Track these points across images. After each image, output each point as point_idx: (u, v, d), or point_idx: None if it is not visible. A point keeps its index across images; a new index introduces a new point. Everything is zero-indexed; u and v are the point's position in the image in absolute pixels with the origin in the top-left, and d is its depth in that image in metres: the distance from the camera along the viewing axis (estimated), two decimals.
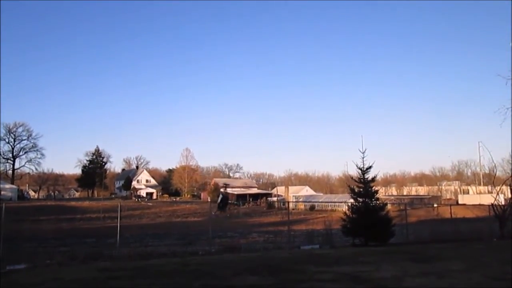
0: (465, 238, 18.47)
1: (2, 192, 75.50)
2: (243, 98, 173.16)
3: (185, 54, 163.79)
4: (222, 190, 22.56)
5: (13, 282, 8.39)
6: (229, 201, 21.79)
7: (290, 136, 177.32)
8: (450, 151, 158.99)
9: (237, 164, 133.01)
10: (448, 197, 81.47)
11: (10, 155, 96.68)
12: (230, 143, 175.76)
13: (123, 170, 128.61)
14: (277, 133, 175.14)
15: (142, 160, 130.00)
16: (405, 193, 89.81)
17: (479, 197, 60.59)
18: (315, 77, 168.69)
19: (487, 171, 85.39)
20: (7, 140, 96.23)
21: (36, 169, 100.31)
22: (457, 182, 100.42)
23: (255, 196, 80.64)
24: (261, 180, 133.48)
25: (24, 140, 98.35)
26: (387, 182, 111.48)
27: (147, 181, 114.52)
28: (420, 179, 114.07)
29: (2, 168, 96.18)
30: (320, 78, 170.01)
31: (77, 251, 13.47)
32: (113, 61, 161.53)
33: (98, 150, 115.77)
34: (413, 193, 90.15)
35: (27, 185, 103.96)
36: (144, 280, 8.50)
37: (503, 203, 21.96)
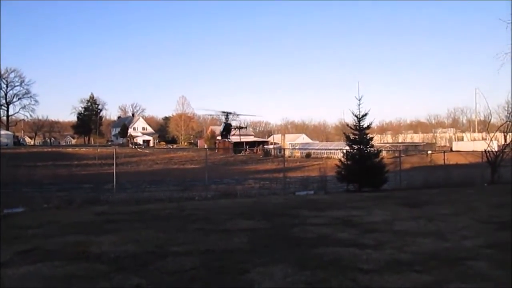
0: (457, 184, 18.81)
1: None
2: (241, 44, 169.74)
3: None
4: (224, 121, 22.52)
5: (10, 225, 8.54)
6: (231, 128, 21.77)
7: (286, 84, 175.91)
8: (447, 98, 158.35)
9: (234, 112, 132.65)
10: (442, 144, 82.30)
11: (4, 101, 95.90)
12: (227, 90, 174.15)
13: (119, 117, 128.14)
14: (273, 80, 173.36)
15: (138, 108, 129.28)
16: (400, 141, 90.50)
17: (473, 144, 61.19)
18: (311, 24, 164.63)
19: (482, 118, 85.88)
20: None
21: (30, 115, 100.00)
22: (452, 129, 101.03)
23: (252, 144, 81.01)
24: (257, 129, 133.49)
25: (17, 86, 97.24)
26: (383, 129, 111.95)
27: (143, 128, 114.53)
28: (416, 126, 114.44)
29: None
30: (316, 25, 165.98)
31: (74, 196, 13.63)
32: (108, 6, 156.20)
33: (93, 97, 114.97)
34: (408, 140, 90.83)
35: (22, 131, 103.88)
36: (140, 223, 8.67)
37: (496, 149, 22.22)
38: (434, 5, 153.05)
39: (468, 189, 16.76)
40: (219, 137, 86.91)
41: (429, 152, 48.65)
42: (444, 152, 26.13)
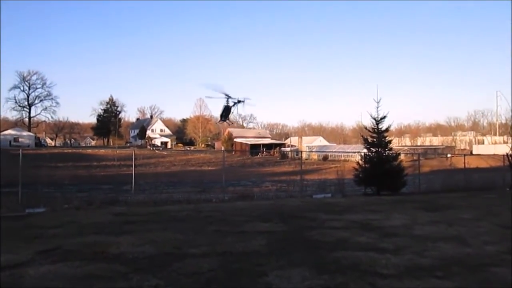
0: (477, 188, 18.48)
1: (20, 139, 77.34)
2: (259, 46, 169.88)
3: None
4: (225, 103, 22.20)
5: (32, 224, 8.69)
6: (232, 111, 21.88)
7: (304, 87, 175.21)
8: (467, 101, 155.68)
9: (251, 115, 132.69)
10: (462, 148, 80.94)
11: (26, 103, 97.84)
12: (244, 93, 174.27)
13: (137, 119, 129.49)
14: (291, 83, 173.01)
15: (156, 110, 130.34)
16: (419, 144, 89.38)
17: (494, 147, 60.08)
18: (330, 25, 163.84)
19: (504, 121, 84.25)
20: (22, 88, 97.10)
21: (52, 117, 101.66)
22: (472, 132, 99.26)
23: (269, 146, 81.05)
24: (274, 131, 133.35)
25: (39, 88, 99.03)
26: (401, 132, 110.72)
27: (161, 130, 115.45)
28: (435, 129, 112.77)
29: (18, 116, 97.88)
30: (335, 27, 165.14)
31: (93, 197, 13.84)
32: (128, 9, 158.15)
33: (112, 99, 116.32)
34: (427, 143, 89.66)
35: (43, 132, 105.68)
36: (158, 225, 8.73)
37: None
38: (452, 7, 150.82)
39: (489, 194, 16.44)
40: (236, 139, 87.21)
41: (449, 155, 47.86)
42: (464, 155, 25.66)
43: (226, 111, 24.06)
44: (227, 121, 22.44)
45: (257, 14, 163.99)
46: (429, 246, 6.79)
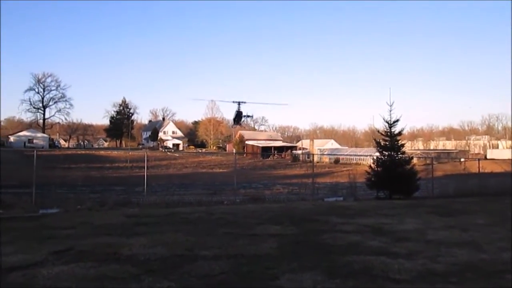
0: (492, 193, 18.21)
1: (34, 141, 78.51)
2: (270, 49, 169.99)
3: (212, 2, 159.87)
4: (237, 108, 23.44)
5: (45, 225, 8.79)
6: (243, 116, 22.59)
7: (316, 90, 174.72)
8: (481, 105, 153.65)
9: (263, 117, 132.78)
10: (476, 152, 79.91)
11: (40, 104, 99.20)
12: (255, 95, 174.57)
13: (149, 121, 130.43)
14: (303, 86, 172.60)
15: (168, 112, 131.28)
16: (432, 148, 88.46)
17: (509, 151, 59.17)
18: (342, 27, 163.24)
19: None
20: (36, 90, 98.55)
21: (65, 119, 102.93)
22: (486, 136, 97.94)
23: (280, 149, 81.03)
24: (286, 134, 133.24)
25: (53, 90, 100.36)
26: (414, 136, 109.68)
27: (173, 132, 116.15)
28: (448, 133, 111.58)
29: (33, 118, 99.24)
30: (347, 29, 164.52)
31: (106, 198, 13.94)
32: (141, 12, 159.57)
33: (125, 101, 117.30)
34: (440, 147, 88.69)
35: (57, 134, 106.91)
36: (170, 226, 8.76)
37: None
38: (465, 9, 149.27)
39: (505, 199, 16.17)
40: (247, 141, 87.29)
41: (462, 159, 47.29)
42: (479, 160, 25.32)
43: (238, 116, 24.35)
44: (240, 125, 22.71)
45: (271, 15, 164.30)
46: (443, 251, 6.70)
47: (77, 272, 5.18)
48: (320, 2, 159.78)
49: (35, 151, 13.98)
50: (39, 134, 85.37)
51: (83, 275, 5.08)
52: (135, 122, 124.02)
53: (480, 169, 22.38)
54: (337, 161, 61.87)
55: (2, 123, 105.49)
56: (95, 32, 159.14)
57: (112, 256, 6.05)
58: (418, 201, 15.40)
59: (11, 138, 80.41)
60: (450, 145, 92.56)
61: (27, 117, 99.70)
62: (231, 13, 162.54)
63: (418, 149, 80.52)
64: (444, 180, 22.95)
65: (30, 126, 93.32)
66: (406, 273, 5.32)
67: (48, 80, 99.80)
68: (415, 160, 21.30)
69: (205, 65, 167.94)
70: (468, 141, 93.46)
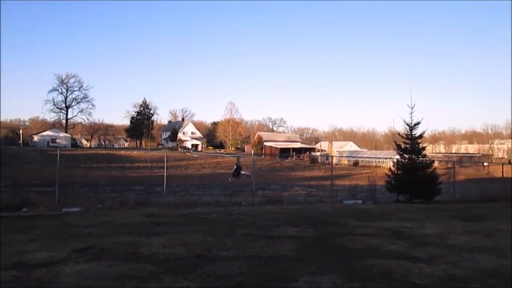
0: None
1: (57, 140, 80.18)
2: (290, 52, 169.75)
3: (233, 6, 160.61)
4: (236, 163, 23.16)
5: (67, 223, 8.96)
6: (242, 172, 23.02)
7: (335, 91, 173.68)
8: (505, 108, 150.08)
9: (281, 118, 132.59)
10: (500, 156, 78.18)
11: (63, 105, 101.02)
12: (274, 97, 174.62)
13: (169, 122, 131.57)
14: (322, 87, 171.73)
15: (187, 113, 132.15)
16: (453, 151, 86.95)
17: None
18: (362, 29, 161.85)
19: None
20: (60, 91, 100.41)
21: (87, 119, 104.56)
22: (511, 140, 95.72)
23: (298, 151, 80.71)
24: (304, 135, 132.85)
25: (76, 91, 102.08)
26: (435, 139, 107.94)
27: (192, 133, 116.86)
28: (471, 137, 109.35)
29: (56, 118, 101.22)
30: (368, 31, 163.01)
31: (126, 197, 14.12)
32: (161, 13, 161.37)
33: (146, 102, 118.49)
34: (463, 151, 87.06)
35: (79, 134, 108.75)
36: (188, 226, 8.83)
37: None
38: (487, 11, 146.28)
39: None
40: (266, 143, 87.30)
41: (485, 163, 46.33)
42: (503, 164, 24.77)
43: (238, 171, 24.96)
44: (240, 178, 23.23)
45: (292, 17, 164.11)
46: (465, 256, 6.58)
47: (98, 270, 5.27)
48: (344, 2, 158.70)
49: (58, 151, 14.22)
50: (62, 134, 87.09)
51: (104, 273, 5.17)
52: (155, 123, 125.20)
53: (504, 173, 21.89)
54: (356, 164, 61.35)
55: (27, 123, 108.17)
56: (118, 33, 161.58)
57: (132, 255, 6.13)
58: (439, 205, 15.15)
59: (35, 138, 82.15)
60: (472, 148, 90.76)
61: (51, 117, 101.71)
62: (254, 13, 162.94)
63: (440, 153, 79.28)
64: (466, 184, 22.54)
65: (53, 126, 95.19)
66: (427, 278, 5.26)
67: (71, 81, 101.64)
68: (436, 164, 20.98)
69: (224, 65, 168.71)
70: (492, 145, 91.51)
